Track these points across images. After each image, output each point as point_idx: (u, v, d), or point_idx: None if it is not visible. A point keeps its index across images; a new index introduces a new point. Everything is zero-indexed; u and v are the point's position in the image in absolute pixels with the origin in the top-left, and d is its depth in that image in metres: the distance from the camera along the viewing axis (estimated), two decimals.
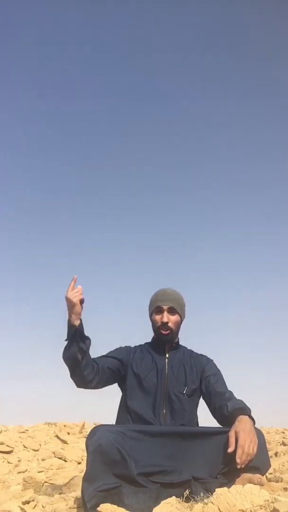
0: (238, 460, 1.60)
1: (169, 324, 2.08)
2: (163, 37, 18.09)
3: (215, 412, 1.95)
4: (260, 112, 19.10)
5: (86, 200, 19.76)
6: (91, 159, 19.72)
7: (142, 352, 2.14)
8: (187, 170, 20.19)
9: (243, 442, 1.62)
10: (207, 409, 2.02)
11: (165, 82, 19.35)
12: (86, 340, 1.93)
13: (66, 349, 1.91)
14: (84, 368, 1.91)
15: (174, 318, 2.11)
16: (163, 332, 2.08)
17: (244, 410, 1.80)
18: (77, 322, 1.89)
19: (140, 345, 2.22)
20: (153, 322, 2.14)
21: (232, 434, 1.66)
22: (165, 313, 2.09)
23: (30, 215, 18.63)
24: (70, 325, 1.90)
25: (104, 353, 2.12)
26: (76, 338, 1.89)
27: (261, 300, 19.13)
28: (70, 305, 1.87)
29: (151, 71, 19.10)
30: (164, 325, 2.07)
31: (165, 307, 2.09)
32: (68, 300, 1.86)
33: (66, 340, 1.91)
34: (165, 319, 2.08)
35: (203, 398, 2.06)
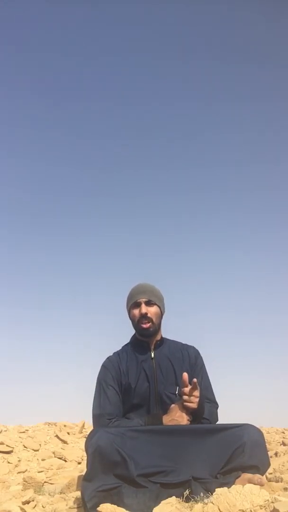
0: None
1: (149, 315, 2.01)
2: (163, 39, 18.12)
3: None
4: (261, 114, 19.10)
5: (85, 201, 19.76)
6: (91, 160, 19.72)
7: (126, 357, 2.05)
8: (187, 171, 20.19)
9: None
10: None
11: (165, 84, 19.35)
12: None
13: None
14: None
15: (153, 309, 2.04)
16: (144, 326, 2.00)
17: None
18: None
19: (123, 347, 2.14)
20: (132, 318, 2.06)
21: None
22: (143, 305, 2.03)
23: (28, 216, 18.66)
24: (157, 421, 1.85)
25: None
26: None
27: (261, 301, 19.13)
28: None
29: (151, 74, 19.11)
30: (144, 316, 2.00)
31: (142, 300, 2.04)
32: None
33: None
34: (143, 310, 2.01)
35: None
